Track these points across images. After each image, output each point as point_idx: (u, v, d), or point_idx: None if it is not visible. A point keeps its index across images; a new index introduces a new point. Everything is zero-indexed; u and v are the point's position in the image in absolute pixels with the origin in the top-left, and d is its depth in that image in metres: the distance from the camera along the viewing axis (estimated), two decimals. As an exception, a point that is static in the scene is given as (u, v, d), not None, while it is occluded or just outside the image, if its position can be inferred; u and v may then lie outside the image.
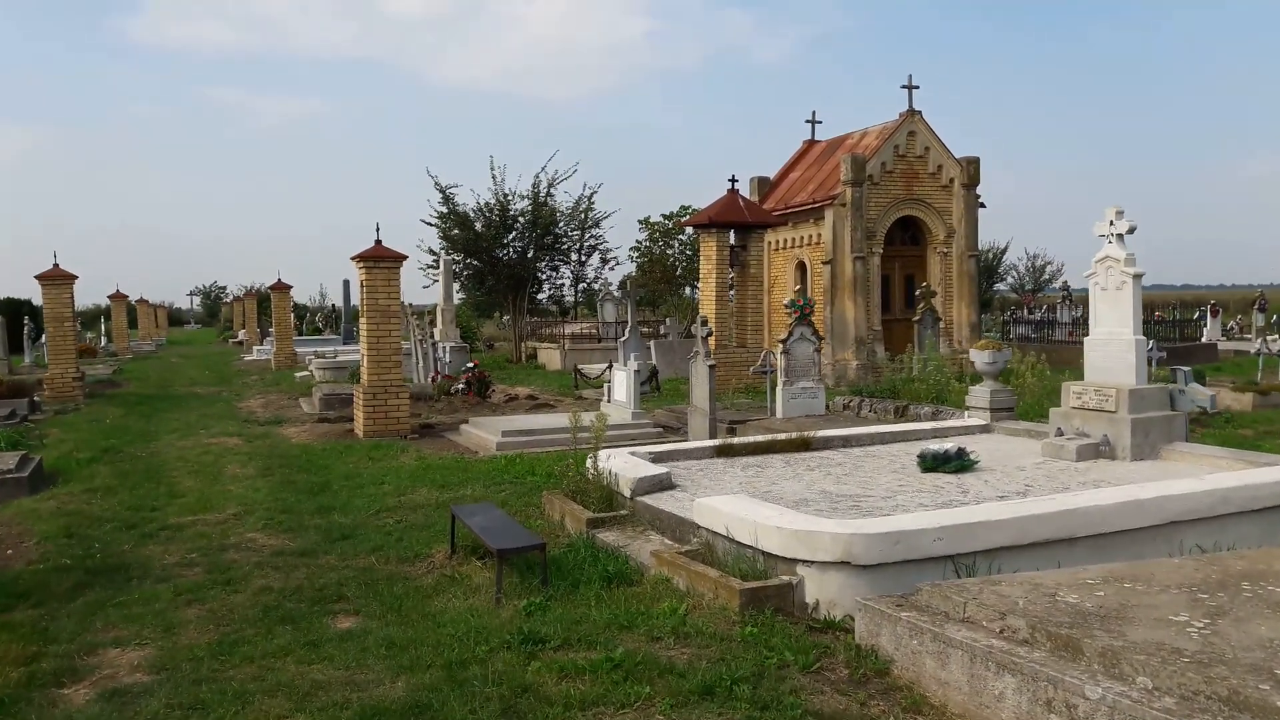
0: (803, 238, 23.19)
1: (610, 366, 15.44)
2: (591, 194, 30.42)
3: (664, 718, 4.32)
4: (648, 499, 7.56)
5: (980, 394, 10.88)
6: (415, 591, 6.34)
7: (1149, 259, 8.40)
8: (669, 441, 11.68)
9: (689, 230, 35.80)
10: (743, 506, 6.27)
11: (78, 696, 4.86)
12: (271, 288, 33.16)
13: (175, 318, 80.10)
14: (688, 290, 39.31)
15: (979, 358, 11.17)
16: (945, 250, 22.47)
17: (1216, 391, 13.47)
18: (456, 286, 29.31)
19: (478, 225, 28.56)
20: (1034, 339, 27.51)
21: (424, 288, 51.77)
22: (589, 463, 8.15)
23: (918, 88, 21.99)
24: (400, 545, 7.53)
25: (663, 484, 7.86)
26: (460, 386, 17.35)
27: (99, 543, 7.90)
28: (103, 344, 40.11)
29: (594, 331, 29.99)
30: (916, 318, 19.32)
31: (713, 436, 11.22)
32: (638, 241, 43.22)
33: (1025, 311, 34.73)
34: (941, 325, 20.17)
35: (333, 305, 52.15)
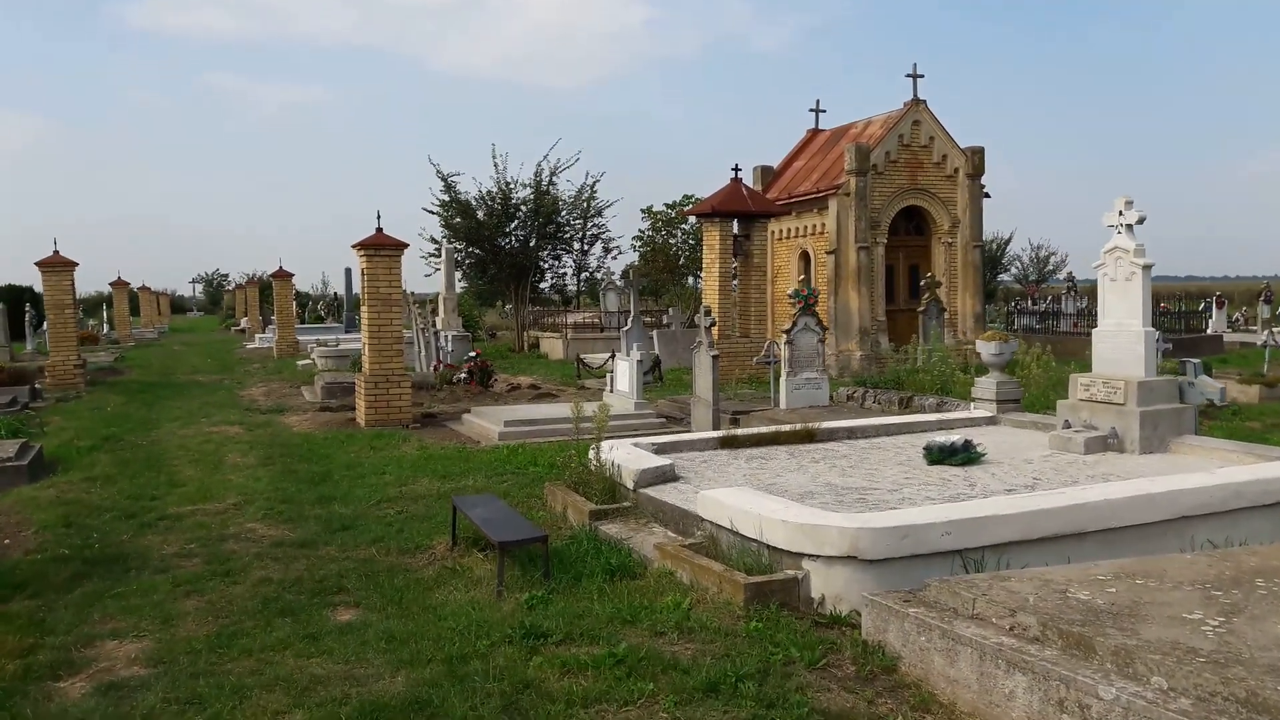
0: (806, 227, 23.07)
1: (613, 356, 15.37)
2: (594, 183, 30.34)
3: (668, 715, 4.24)
4: (651, 491, 7.48)
5: (986, 385, 10.78)
6: (416, 584, 6.27)
7: (1153, 252, 8.32)
8: (672, 432, 11.62)
9: (692, 219, 35.65)
10: (747, 499, 6.19)
11: (74, 690, 4.79)
12: (273, 276, 33.07)
13: (177, 305, 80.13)
14: (691, 280, 39.13)
15: (985, 349, 11.07)
16: (950, 240, 22.34)
17: (1224, 384, 13.38)
18: (459, 275, 29.22)
19: (480, 214, 28.46)
20: (1038, 330, 27.39)
21: (426, 276, 51.62)
22: (592, 454, 8.07)
23: (922, 76, 21.87)
24: (401, 536, 7.46)
25: (666, 476, 7.79)
26: (462, 376, 17.29)
27: (98, 532, 7.85)
28: (104, 331, 40.09)
29: (597, 321, 29.87)
30: (921, 308, 19.18)
31: (716, 427, 11.15)
32: (640, 230, 43.02)
33: (1029, 302, 34.60)
34: (946, 316, 20.05)
35: (335, 293, 52.07)
